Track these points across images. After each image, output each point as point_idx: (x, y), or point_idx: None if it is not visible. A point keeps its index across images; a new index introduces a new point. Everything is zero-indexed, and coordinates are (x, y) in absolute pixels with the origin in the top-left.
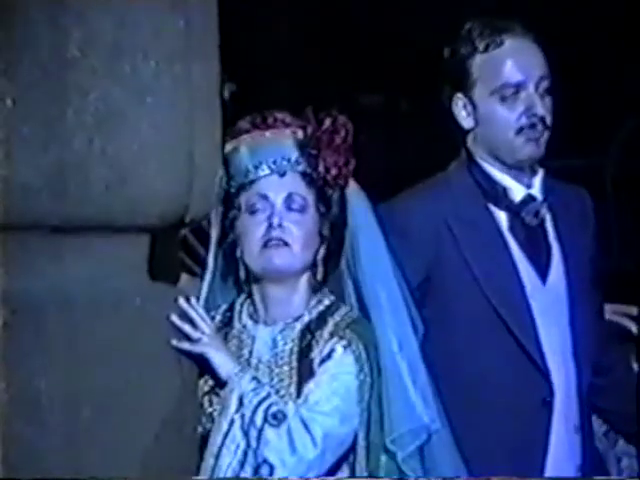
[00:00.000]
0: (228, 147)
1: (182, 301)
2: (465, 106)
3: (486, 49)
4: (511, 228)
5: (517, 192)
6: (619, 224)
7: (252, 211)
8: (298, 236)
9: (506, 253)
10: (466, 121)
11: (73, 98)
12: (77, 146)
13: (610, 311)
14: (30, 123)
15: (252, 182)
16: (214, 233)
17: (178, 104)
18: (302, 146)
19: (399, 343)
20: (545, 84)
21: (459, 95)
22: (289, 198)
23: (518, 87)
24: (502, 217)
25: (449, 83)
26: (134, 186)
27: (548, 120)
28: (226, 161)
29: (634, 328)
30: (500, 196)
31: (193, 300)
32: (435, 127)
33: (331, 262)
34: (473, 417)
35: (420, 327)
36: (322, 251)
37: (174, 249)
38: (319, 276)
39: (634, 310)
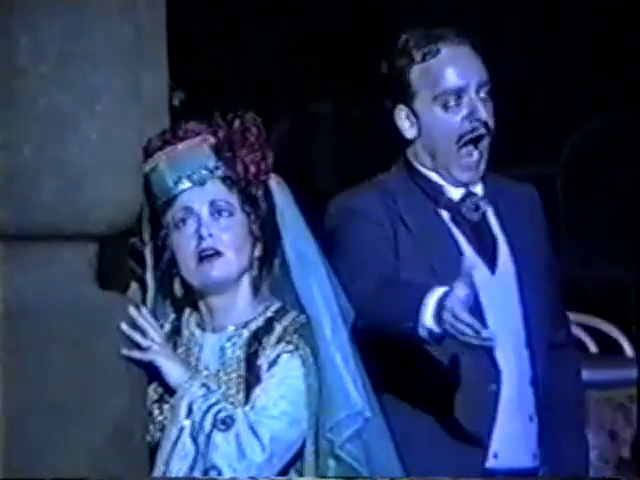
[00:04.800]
0: (146, 167)
1: (132, 310)
2: (408, 117)
3: (423, 59)
4: (455, 224)
5: (454, 191)
6: (568, 230)
7: (180, 226)
8: (229, 242)
9: (454, 245)
10: (409, 131)
11: (22, 106)
12: (26, 154)
13: None
14: None
15: (175, 197)
16: (148, 254)
17: (128, 112)
18: (217, 151)
19: (332, 332)
20: (486, 89)
21: (401, 107)
22: (213, 206)
23: (459, 92)
24: (445, 215)
25: (389, 96)
26: (83, 194)
27: (491, 123)
28: (147, 181)
29: (584, 337)
30: (439, 195)
31: (143, 309)
32: (384, 134)
33: (268, 259)
34: (422, 402)
35: (350, 314)
36: (257, 250)
37: (124, 257)
38: (257, 274)
39: (585, 318)
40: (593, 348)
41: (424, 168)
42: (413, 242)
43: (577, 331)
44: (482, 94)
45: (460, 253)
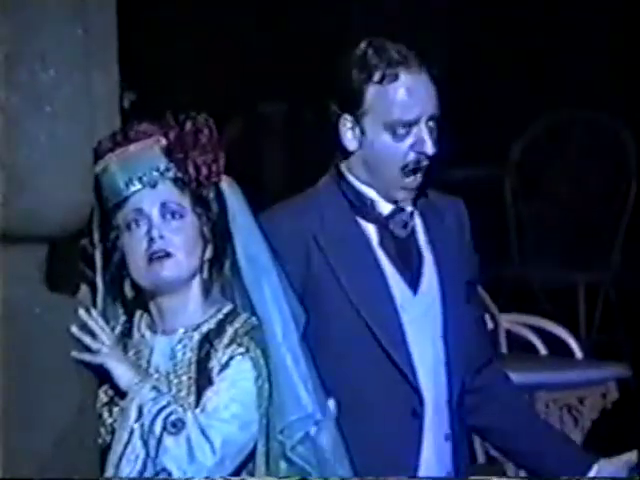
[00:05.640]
0: (97, 169)
1: (82, 312)
2: (352, 128)
3: (381, 81)
4: (380, 241)
5: (384, 205)
6: (517, 232)
7: (131, 228)
8: (180, 244)
9: (376, 267)
10: (351, 143)
11: None
12: None
13: (509, 321)
14: None
15: (126, 199)
16: (98, 256)
17: (78, 113)
18: (168, 153)
19: (283, 334)
20: (435, 119)
21: (347, 117)
22: (164, 207)
23: (410, 124)
24: (371, 230)
25: (338, 103)
26: (33, 196)
27: (434, 152)
28: (97, 182)
29: (533, 339)
30: (368, 209)
31: (93, 311)
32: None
33: (219, 261)
34: (347, 428)
35: (301, 317)
36: (208, 252)
37: (74, 259)
38: (207, 276)
39: (534, 320)
40: (543, 350)
41: (357, 181)
42: (327, 263)
43: (527, 333)
44: (430, 123)
45: (382, 276)
